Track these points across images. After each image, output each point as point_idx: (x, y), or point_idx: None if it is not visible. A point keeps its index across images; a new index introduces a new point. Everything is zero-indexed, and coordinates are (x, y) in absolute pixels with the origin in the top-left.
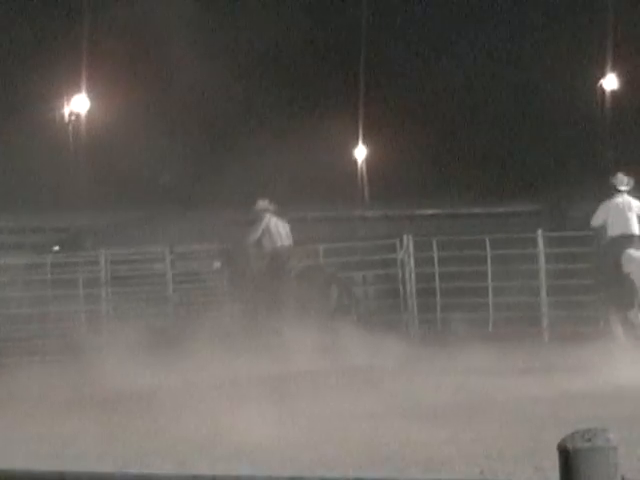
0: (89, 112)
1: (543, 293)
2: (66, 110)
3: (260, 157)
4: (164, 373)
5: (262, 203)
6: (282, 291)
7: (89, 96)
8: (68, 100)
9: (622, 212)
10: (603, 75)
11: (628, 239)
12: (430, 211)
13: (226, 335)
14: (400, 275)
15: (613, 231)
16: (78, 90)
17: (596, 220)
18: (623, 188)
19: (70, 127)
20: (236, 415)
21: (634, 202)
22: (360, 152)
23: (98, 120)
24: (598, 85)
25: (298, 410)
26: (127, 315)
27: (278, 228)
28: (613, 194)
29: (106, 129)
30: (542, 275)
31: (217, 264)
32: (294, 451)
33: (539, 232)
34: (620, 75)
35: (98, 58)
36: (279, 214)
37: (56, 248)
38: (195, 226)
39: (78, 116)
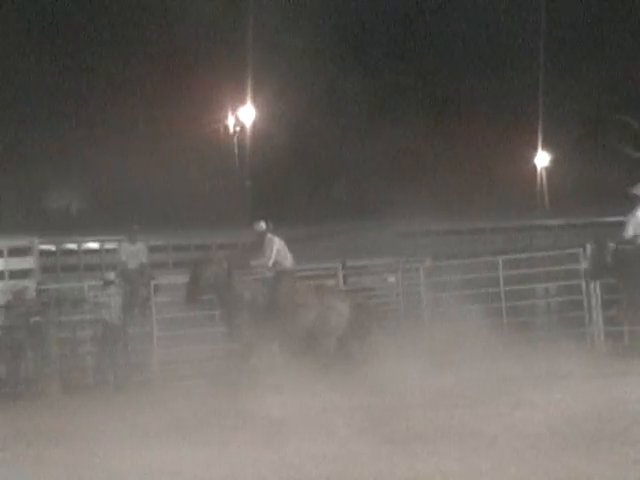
0: (255, 123)
1: None
2: (231, 121)
3: (433, 166)
4: (338, 392)
5: (262, 224)
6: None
7: (255, 106)
8: (233, 111)
9: None
10: None
11: None
12: (614, 218)
13: (406, 350)
14: (584, 286)
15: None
16: (243, 101)
17: (628, 232)
18: None
19: (235, 139)
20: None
21: None
22: (540, 159)
23: (263, 130)
24: None
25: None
26: None
27: (285, 249)
28: (638, 204)
29: (272, 139)
30: None
31: (391, 278)
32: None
33: None
34: None
35: (263, 68)
36: (277, 234)
37: None
38: (367, 240)
39: (243, 127)
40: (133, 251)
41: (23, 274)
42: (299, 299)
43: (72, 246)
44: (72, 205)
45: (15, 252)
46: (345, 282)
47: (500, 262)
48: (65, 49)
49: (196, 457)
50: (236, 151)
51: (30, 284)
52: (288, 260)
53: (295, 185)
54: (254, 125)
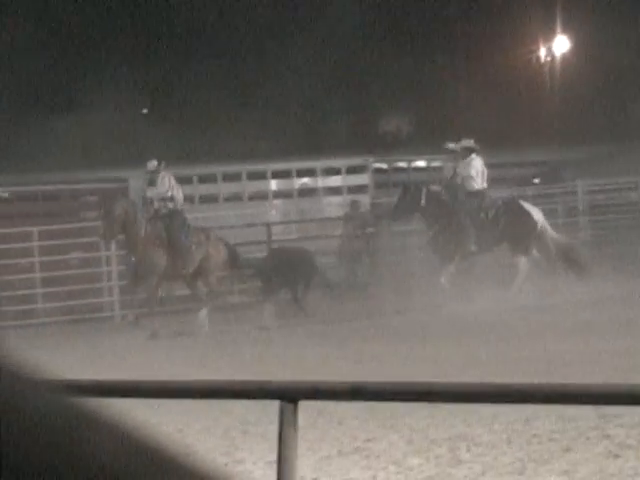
0: (566, 54)
1: None
2: (543, 52)
3: None
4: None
5: (153, 163)
6: None
7: (568, 37)
8: (545, 42)
9: (481, 171)
10: None
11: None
12: None
13: None
14: None
15: (474, 186)
16: (555, 32)
17: (458, 176)
18: (477, 149)
19: (546, 68)
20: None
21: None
22: None
23: (575, 61)
24: None
25: None
26: (605, 242)
27: (178, 187)
28: (468, 154)
29: (583, 69)
30: None
31: None
32: None
33: None
34: None
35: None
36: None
37: (536, 180)
38: None
39: (554, 58)
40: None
41: (359, 189)
42: (192, 237)
43: (402, 164)
44: (403, 127)
45: (352, 170)
46: None
47: None
48: None
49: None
50: (547, 81)
51: (365, 199)
52: (180, 197)
53: (597, 113)
54: (564, 56)
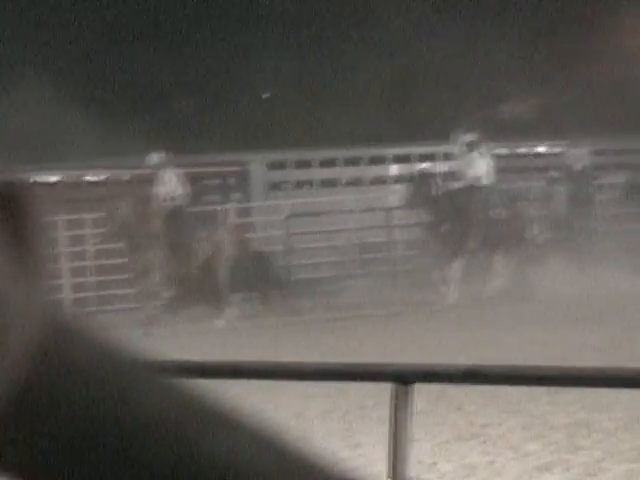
0: None
1: None
2: None
3: None
4: None
5: (153, 157)
6: None
7: None
8: None
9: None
10: None
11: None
12: None
13: None
14: None
15: (480, 182)
16: None
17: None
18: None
19: None
20: None
21: None
22: None
23: None
24: None
25: None
26: None
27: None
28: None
29: None
30: None
31: None
32: None
33: None
34: None
35: None
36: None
37: None
38: None
39: None
40: (576, 154)
41: None
42: (194, 233)
43: (523, 150)
44: (524, 112)
45: None
46: None
47: None
48: None
49: None
50: None
51: None
52: (183, 194)
53: None
54: None
